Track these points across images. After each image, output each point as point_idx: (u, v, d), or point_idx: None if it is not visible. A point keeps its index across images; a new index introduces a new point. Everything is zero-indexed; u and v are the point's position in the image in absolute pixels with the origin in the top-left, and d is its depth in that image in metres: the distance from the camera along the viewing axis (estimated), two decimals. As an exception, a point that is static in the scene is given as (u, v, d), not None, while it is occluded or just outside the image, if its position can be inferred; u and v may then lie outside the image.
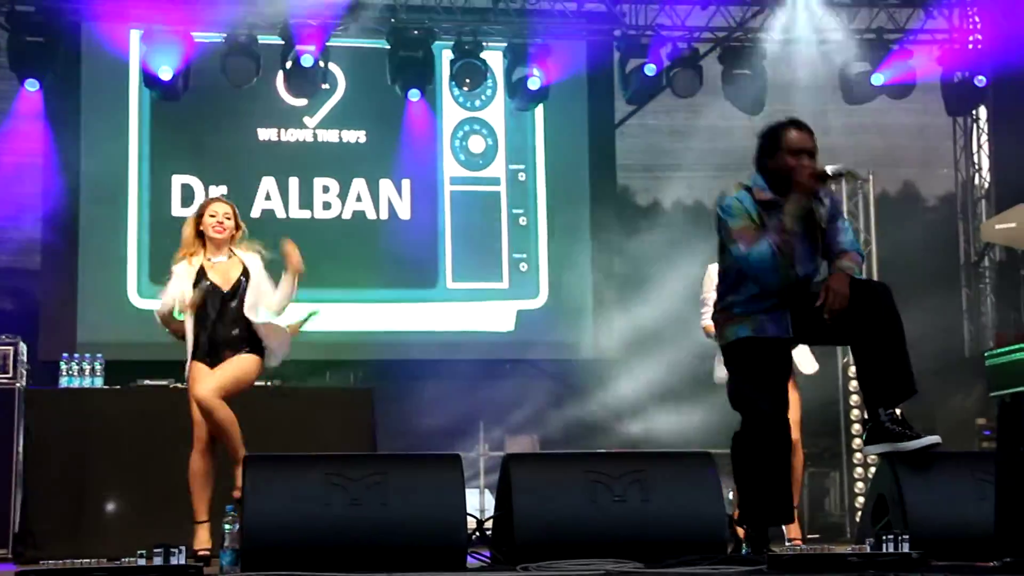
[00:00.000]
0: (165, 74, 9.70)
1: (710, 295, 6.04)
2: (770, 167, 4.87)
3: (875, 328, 4.74)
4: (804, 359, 6.80)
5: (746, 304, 4.90)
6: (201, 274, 6.10)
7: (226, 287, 6.10)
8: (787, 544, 6.34)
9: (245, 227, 6.31)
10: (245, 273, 6.13)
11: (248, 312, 6.05)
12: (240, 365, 6.05)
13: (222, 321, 6.06)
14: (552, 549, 4.51)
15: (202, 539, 5.97)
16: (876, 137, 10.49)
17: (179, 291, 6.09)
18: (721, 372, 6.79)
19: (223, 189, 10.19)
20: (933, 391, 9.08)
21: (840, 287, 4.73)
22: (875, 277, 9.82)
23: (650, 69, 10.22)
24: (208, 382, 5.95)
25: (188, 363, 6.10)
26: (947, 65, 10.39)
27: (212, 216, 6.19)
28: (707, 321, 7.14)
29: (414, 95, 10.21)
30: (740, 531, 5.05)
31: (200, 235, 6.20)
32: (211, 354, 6.06)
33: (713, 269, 6.07)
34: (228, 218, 6.20)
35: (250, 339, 6.10)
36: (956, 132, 11.16)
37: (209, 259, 6.15)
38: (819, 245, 4.94)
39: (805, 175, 4.73)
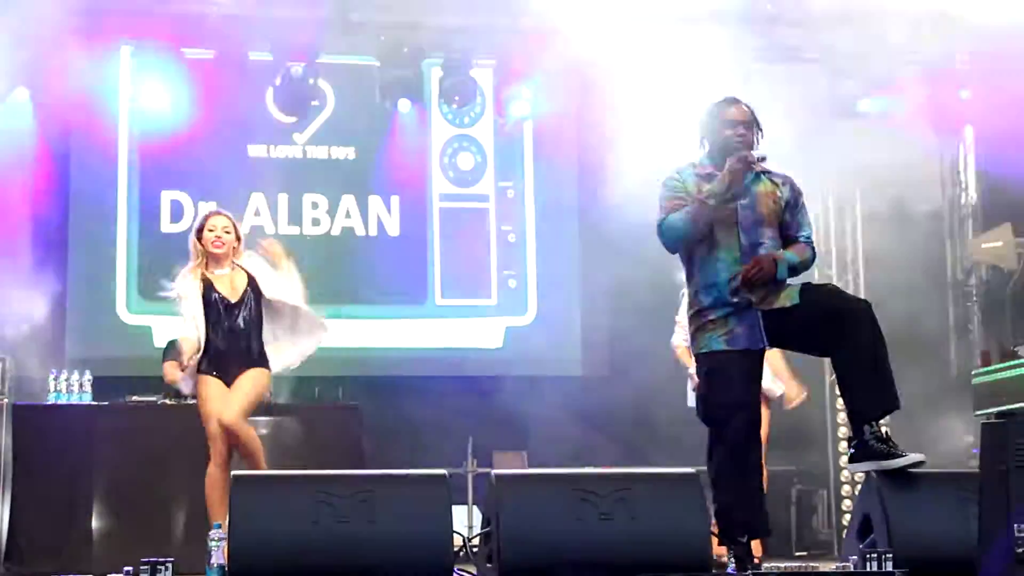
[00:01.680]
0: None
1: (683, 318, 6.13)
2: (711, 141, 5.07)
3: (856, 342, 4.78)
4: (774, 383, 6.85)
5: (713, 297, 4.93)
6: (208, 287, 6.11)
7: (234, 298, 6.12)
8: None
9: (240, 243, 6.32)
10: (252, 283, 6.14)
11: (275, 295, 6.08)
12: (256, 384, 6.09)
13: (233, 334, 6.07)
14: (539, 567, 4.53)
15: None
16: (863, 153, 10.49)
17: (191, 315, 6.10)
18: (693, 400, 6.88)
19: (212, 205, 10.12)
20: (919, 409, 9.09)
21: (767, 264, 4.85)
22: (862, 294, 9.82)
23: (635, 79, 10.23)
24: (233, 406, 5.97)
25: (193, 375, 6.09)
26: (933, 83, 10.41)
27: (211, 231, 6.22)
28: (676, 341, 7.22)
29: (404, 105, 10.23)
30: (715, 548, 5.06)
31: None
32: (220, 368, 6.08)
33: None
34: (227, 232, 6.22)
35: (260, 352, 6.13)
36: (943, 150, 11.18)
37: (213, 272, 6.16)
38: (778, 235, 5.03)
39: (738, 158, 4.89)
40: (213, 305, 6.11)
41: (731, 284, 4.90)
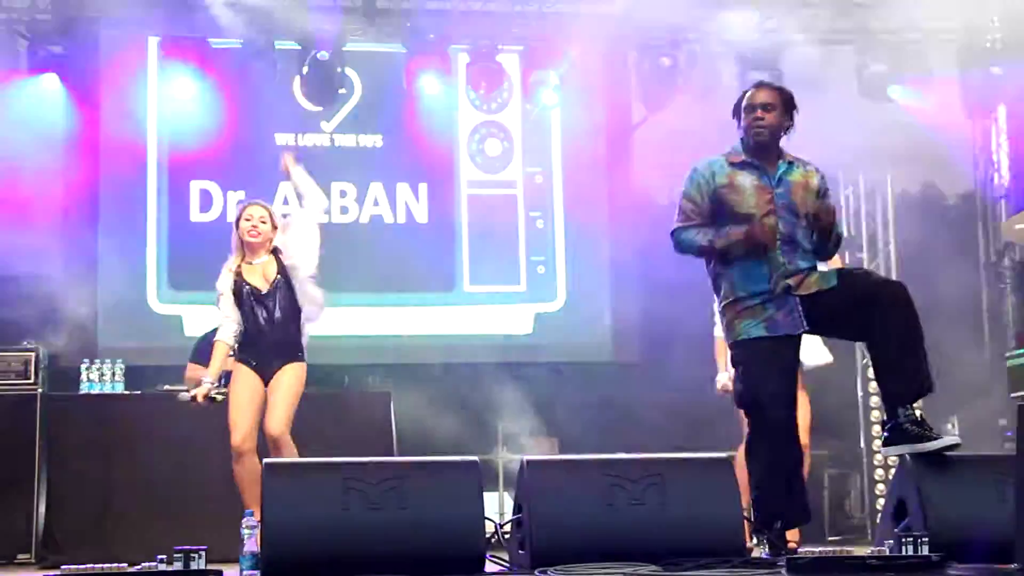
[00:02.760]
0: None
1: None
2: (741, 126, 5.04)
3: (891, 325, 4.75)
4: (813, 351, 6.78)
5: (753, 295, 4.91)
6: (240, 278, 6.13)
7: (264, 288, 6.12)
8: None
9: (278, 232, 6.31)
10: (282, 271, 6.14)
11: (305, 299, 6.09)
12: (296, 384, 6.07)
13: (267, 326, 6.08)
14: (570, 553, 4.48)
15: None
16: (895, 135, 10.42)
17: (225, 313, 6.14)
18: (723, 379, 6.84)
19: (241, 195, 10.23)
20: (953, 391, 9.04)
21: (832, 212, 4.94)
22: (894, 277, 9.78)
23: (665, 61, 10.20)
24: (278, 414, 5.96)
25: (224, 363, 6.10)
26: (965, 64, 10.32)
27: (247, 220, 6.22)
28: (719, 334, 7.16)
29: (431, 92, 10.18)
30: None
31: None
32: (259, 360, 6.08)
33: None
34: (263, 221, 6.22)
35: (296, 343, 6.13)
36: (975, 130, 11.09)
37: (251, 262, 6.17)
38: (813, 223, 4.99)
39: (763, 233, 4.88)
40: (245, 298, 6.11)
41: (771, 282, 4.87)
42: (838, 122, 11.01)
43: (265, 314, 6.09)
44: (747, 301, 4.93)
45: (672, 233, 5.02)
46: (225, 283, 6.17)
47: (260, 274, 6.16)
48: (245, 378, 6.10)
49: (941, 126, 10.32)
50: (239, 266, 6.18)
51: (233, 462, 6.07)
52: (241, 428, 6.02)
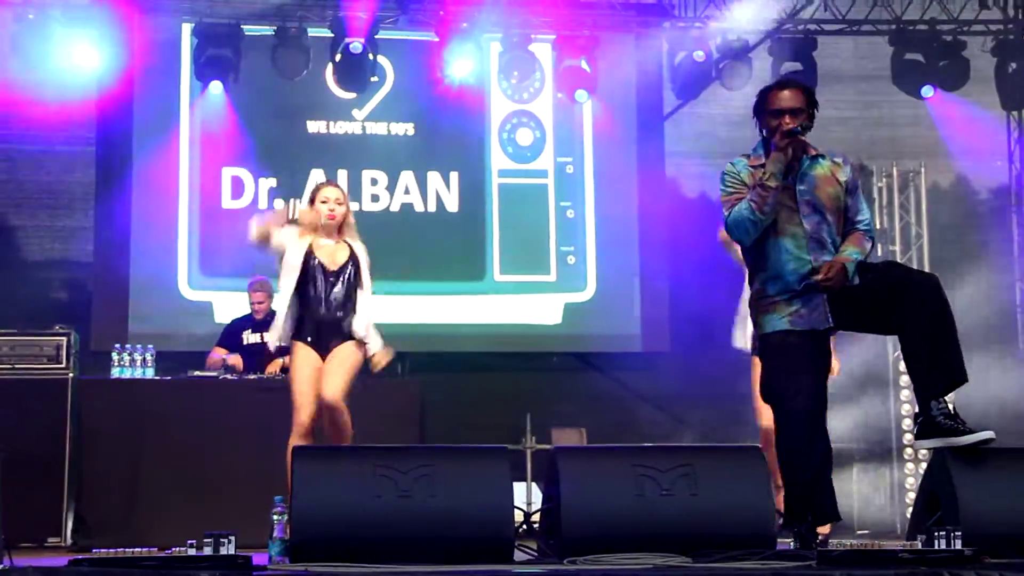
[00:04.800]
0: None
1: (744, 309, 6.11)
2: (761, 127, 4.95)
3: (922, 317, 4.70)
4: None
5: (780, 287, 4.87)
6: (309, 252, 6.10)
7: (332, 267, 6.10)
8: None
9: (350, 211, 6.31)
10: (353, 259, 6.14)
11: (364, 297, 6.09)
12: (354, 359, 6.05)
13: (327, 304, 6.07)
14: (599, 543, 4.48)
15: None
16: (929, 128, 10.36)
17: (283, 243, 6.11)
18: (739, 339, 6.84)
19: (272, 182, 10.31)
20: (988, 385, 8.98)
21: (836, 275, 4.76)
22: (926, 269, 9.72)
23: (698, 55, 10.16)
24: (335, 381, 5.94)
25: (287, 343, 6.08)
26: (1001, 56, 10.23)
27: (324, 202, 6.19)
28: (739, 344, 7.13)
29: (463, 80, 10.20)
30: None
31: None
32: (317, 338, 6.06)
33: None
34: (340, 203, 6.21)
35: (351, 327, 6.12)
36: (1010, 123, 11.00)
37: (318, 242, 6.15)
38: (840, 218, 4.93)
39: (778, 135, 4.81)
40: (311, 271, 6.09)
41: (800, 281, 4.83)
42: (871, 113, 10.99)
43: (327, 292, 6.07)
44: (774, 296, 4.90)
45: (725, 223, 4.94)
46: (295, 241, 6.13)
47: (330, 254, 6.15)
48: (304, 355, 6.07)
49: (976, 118, 10.23)
50: (310, 244, 6.15)
51: (295, 438, 6.01)
52: (307, 408, 6.00)
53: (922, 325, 4.71)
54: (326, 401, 5.95)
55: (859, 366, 9.37)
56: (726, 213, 4.92)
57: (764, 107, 4.95)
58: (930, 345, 4.72)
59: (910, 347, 4.84)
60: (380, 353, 6.22)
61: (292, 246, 6.14)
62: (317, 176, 10.31)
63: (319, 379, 6.03)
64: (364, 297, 6.16)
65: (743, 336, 7.03)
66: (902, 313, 4.76)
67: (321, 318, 6.08)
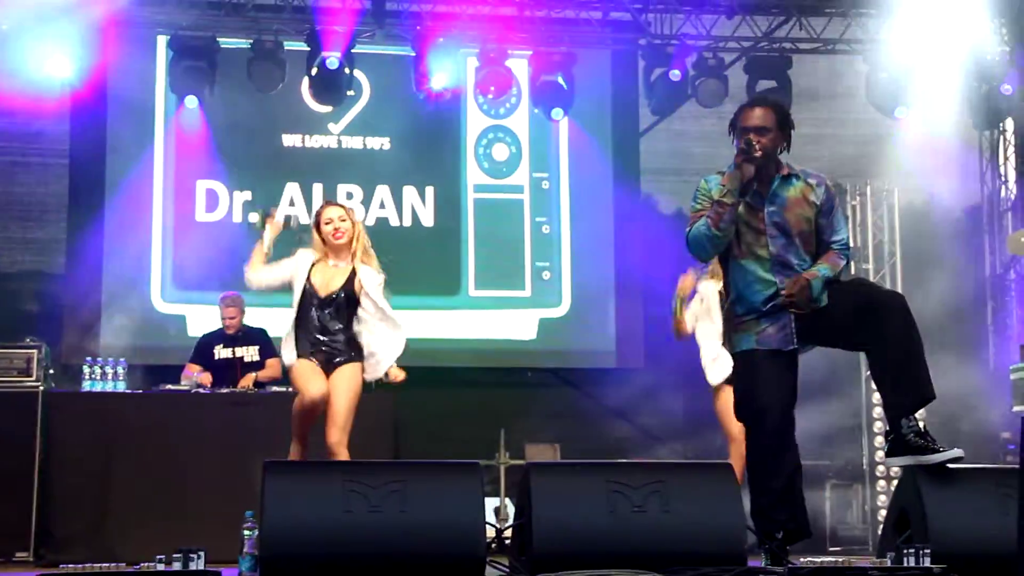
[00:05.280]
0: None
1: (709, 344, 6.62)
2: (735, 144, 4.93)
3: (890, 335, 4.71)
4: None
5: (746, 307, 4.88)
6: (308, 276, 6.10)
7: (323, 292, 6.07)
8: None
9: (361, 224, 6.28)
10: (347, 286, 6.08)
11: (370, 319, 6.07)
12: (352, 387, 6.05)
13: (321, 329, 6.06)
14: (571, 559, 4.46)
15: None
16: (902, 146, 10.40)
17: (288, 266, 6.12)
18: (712, 376, 6.92)
19: (247, 195, 10.26)
20: (957, 404, 9.00)
21: (799, 292, 4.77)
22: (899, 288, 9.73)
23: (674, 74, 10.17)
24: (337, 423, 5.98)
25: (288, 361, 6.08)
26: (975, 76, 10.29)
27: (327, 223, 6.16)
28: (715, 381, 7.19)
29: (439, 92, 10.19)
30: None
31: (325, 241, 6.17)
32: (319, 355, 6.05)
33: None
34: (343, 220, 6.16)
35: (356, 346, 6.11)
36: (983, 143, 11.06)
37: (328, 263, 6.14)
38: (811, 240, 4.92)
39: (737, 154, 4.82)
40: (306, 296, 6.10)
41: (765, 303, 4.84)
42: (845, 132, 11.04)
43: (319, 318, 6.07)
44: (743, 316, 4.92)
45: (685, 239, 4.93)
46: (299, 269, 6.11)
47: (327, 279, 6.11)
48: (305, 364, 6.05)
49: (949, 137, 10.28)
50: (314, 263, 6.14)
51: (293, 442, 6.08)
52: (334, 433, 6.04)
53: (889, 344, 4.72)
54: (328, 443, 6.00)
55: (831, 382, 9.39)
56: (687, 229, 4.93)
57: (737, 124, 4.95)
58: (897, 364, 4.73)
59: (878, 366, 4.86)
60: (392, 371, 6.29)
61: (297, 267, 6.14)
62: (292, 190, 10.28)
63: (323, 380, 6.02)
64: (370, 318, 6.11)
65: (713, 372, 7.12)
66: (869, 332, 4.77)
67: (320, 340, 6.07)
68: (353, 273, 6.12)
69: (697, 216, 4.90)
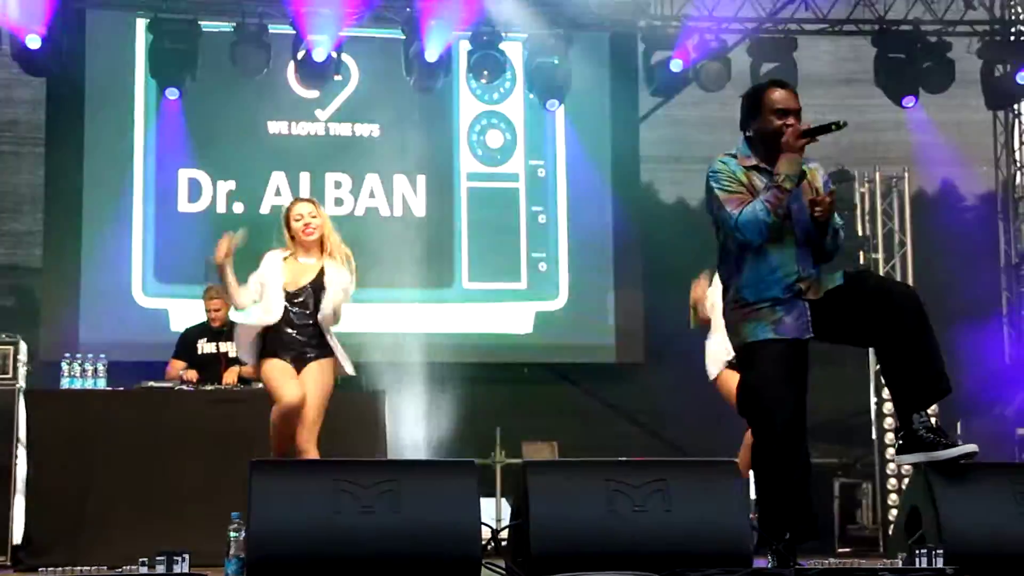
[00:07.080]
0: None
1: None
2: (755, 130, 4.80)
3: (902, 329, 4.62)
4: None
5: (761, 295, 4.72)
6: (279, 271, 6.21)
7: (291, 288, 6.17)
8: None
9: (328, 218, 6.36)
10: (315, 282, 6.17)
11: (321, 319, 6.14)
12: (322, 386, 6.13)
13: (289, 324, 6.13)
14: (569, 560, 4.38)
15: None
16: (912, 132, 10.32)
17: (260, 275, 6.19)
18: (714, 368, 6.71)
19: (231, 185, 10.21)
20: (971, 398, 8.90)
21: (829, 204, 4.74)
22: (910, 279, 9.76)
23: (676, 65, 9.99)
24: (307, 425, 6.04)
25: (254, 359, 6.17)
26: (988, 58, 10.16)
27: (297, 220, 6.24)
28: (714, 373, 7.03)
29: (430, 77, 9.95)
30: None
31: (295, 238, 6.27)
32: (289, 352, 6.13)
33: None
34: (313, 216, 6.26)
35: (321, 342, 6.20)
36: (996, 128, 10.95)
37: (298, 260, 6.24)
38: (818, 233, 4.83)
39: (792, 134, 4.67)
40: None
41: (786, 290, 4.70)
42: (852, 117, 10.83)
43: (287, 313, 6.15)
44: (756, 304, 4.77)
45: (734, 222, 4.72)
46: (270, 272, 6.18)
47: (296, 274, 6.22)
48: (275, 364, 6.12)
49: (961, 121, 10.19)
50: (282, 263, 6.23)
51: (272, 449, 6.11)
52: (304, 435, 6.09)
53: (900, 338, 4.64)
54: (298, 446, 6.05)
55: (840, 378, 9.28)
56: (733, 211, 4.72)
57: (763, 106, 4.79)
58: (909, 359, 4.65)
59: (888, 361, 4.77)
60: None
61: (268, 271, 6.21)
62: (278, 178, 10.25)
63: (296, 381, 6.09)
64: (323, 316, 6.18)
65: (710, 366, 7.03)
66: (880, 327, 4.68)
67: (291, 338, 6.16)
68: (323, 269, 6.22)
69: (734, 198, 4.74)
